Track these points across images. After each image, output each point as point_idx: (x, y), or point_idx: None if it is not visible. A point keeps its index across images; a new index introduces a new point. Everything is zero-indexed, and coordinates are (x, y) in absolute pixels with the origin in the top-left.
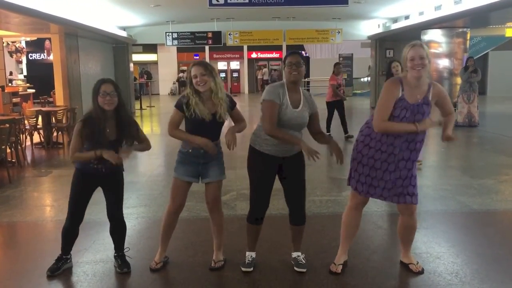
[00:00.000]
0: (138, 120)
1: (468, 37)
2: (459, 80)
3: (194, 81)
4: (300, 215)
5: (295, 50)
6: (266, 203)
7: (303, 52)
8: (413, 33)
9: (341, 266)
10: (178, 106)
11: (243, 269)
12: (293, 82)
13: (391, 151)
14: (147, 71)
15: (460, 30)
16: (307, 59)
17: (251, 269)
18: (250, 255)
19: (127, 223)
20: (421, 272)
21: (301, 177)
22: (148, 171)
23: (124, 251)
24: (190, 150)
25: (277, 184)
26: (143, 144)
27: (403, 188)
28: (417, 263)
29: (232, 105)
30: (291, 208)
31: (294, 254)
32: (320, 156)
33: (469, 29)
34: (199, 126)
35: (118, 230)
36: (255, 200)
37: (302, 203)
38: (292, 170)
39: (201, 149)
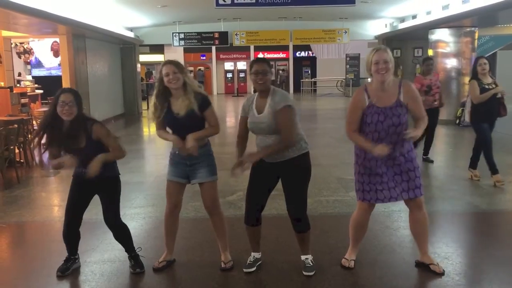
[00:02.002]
0: (144, 121)
1: (476, 37)
2: (467, 80)
3: (165, 79)
4: (298, 222)
5: (261, 57)
6: (257, 205)
7: (310, 53)
8: (420, 33)
9: (353, 262)
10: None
11: (244, 270)
12: (259, 91)
13: None
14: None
15: (468, 29)
16: (314, 59)
17: (253, 269)
18: (253, 255)
19: (134, 223)
20: (443, 273)
21: (296, 184)
22: (155, 171)
23: (137, 251)
24: (176, 152)
25: None
26: (113, 152)
27: (407, 182)
28: (437, 263)
29: (203, 104)
30: (290, 216)
31: (302, 257)
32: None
33: (477, 28)
34: (173, 123)
35: (119, 235)
36: (247, 202)
37: (298, 210)
38: (286, 177)
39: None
